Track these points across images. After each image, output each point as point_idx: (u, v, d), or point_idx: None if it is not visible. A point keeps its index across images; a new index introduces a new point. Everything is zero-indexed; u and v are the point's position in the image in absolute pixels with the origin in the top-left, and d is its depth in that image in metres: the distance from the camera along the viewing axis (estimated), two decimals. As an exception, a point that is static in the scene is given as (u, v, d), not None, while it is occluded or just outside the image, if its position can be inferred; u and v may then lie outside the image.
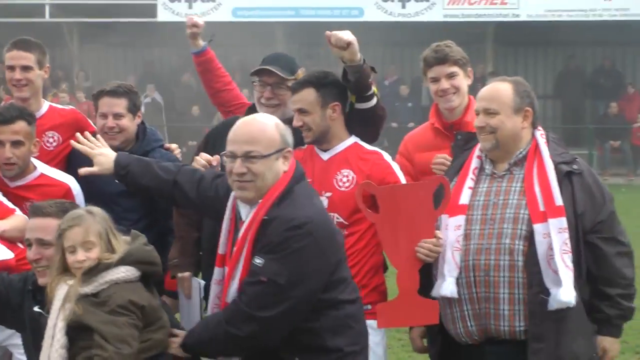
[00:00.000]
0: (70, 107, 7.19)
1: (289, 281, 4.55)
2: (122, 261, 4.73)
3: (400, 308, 5.19)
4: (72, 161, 6.37)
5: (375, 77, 5.64)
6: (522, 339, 5.01)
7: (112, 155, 5.28)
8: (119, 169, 5.22)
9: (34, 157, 6.02)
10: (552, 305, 4.90)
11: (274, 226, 4.58)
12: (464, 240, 5.07)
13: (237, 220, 4.82)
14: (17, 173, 5.89)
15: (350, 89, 5.56)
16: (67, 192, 5.92)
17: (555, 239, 4.90)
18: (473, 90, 6.00)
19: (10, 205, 5.71)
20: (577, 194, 5.04)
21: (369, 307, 5.21)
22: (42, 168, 6.03)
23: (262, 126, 4.73)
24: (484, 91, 5.22)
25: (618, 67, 29.65)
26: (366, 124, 5.69)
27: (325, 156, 5.55)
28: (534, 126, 5.21)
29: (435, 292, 5.12)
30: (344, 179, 5.50)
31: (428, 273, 5.20)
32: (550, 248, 4.91)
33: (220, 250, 4.89)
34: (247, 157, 4.64)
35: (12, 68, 6.35)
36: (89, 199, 5.88)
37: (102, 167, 5.26)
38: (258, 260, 4.57)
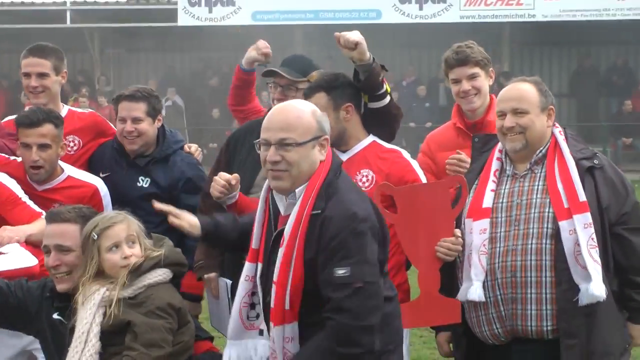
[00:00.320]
0: (90, 110, 7.17)
1: (375, 276, 4.31)
2: (159, 264, 4.67)
3: (422, 308, 5.13)
4: (92, 164, 6.35)
5: (394, 77, 5.63)
6: (549, 338, 4.95)
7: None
8: (206, 225, 4.97)
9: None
10: (583, 300, 4.85)
11: (336, 226, 4.27)
12: (490, 243, 5.00)
13: (270, 214, 4.56)
14: (43, 177, 5.83)
15: (362, 88, 5.52)
16: (95, 193, 5.89)
17: (582, 234, 4.84)
18: (490, 89, 5.96)
19: (36, 209, 5.63)
20: (600, 188, 4.99)
21: None
22: (69, 170, 5.97)
23: (298, 112, 4.45)
24: (508, 92, 5.13)
25: (631, 65, 29.57)
26: (381, 123, 5.63)
27: (344, 157, 5.44)
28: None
29: (461, 297, 5.05)
30: (364, 179, 5.46)
31: (449, 272, 5.14)
32: (577, 244, 4.85)
33: (254, 244, 4.62)
34: (282, 144, 4.36)
35: (28, 75, 6.26)
36: (113, 202, 5.87)
37: (193, 227, 4.96)
38: (342, 271, 4.22)
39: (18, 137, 5.85)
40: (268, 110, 5.91)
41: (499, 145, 5.19)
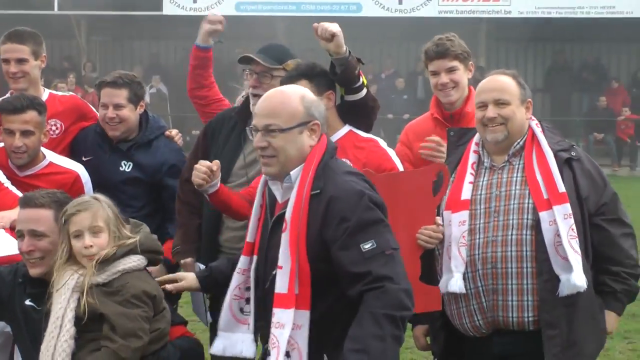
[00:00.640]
0: (71, 93, 7.09)
1: (396, 242, 4.24)
2: (134, 250, 4.52)
3: None
4: (75, 147, 6.27)
5: (373, 70, 5.59)
6: (530, 329, 4.86)
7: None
8: (201, 272, 4.87)
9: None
10: (563, 291, 4.77)
11: (346, 207, 4.15)
12: (469, 235, 4.90)
13: (267, 207, 4.45)
14: (26, 162, 5.73)
15: (338, 81, 5.41)
16: (76, 180, 5.79)
17: (562, 225, 4.77)
18: (469, 82, 5.89)
19: (19, 194, 5.46)
20: (578, 179, 4.92)
21: None
22: (50, 156, 5.88)
23: (284, 99, 4.33)
24: (489, 83, 5.04)
25: (603, 62, 29.72)
26: (358, 115, 5.55)
27: None
28: None
29: (442, 289, 4.95)
30: (347, 162, 5.36)
31: (429, 260, 5.04)
32: (557, 235, 4.77)
33: (249, 238, 4.51)
34: (267, 130, 4.27)
35: (7, 61, 6.18)
36: (95, 186, 5.76)
37: (190, 284, 4.81)
38: (368, 245, 4.12)
39: (1, 122, 5.74)
40: (245, 99, 5.81)
41: (476, 138, 5.10)
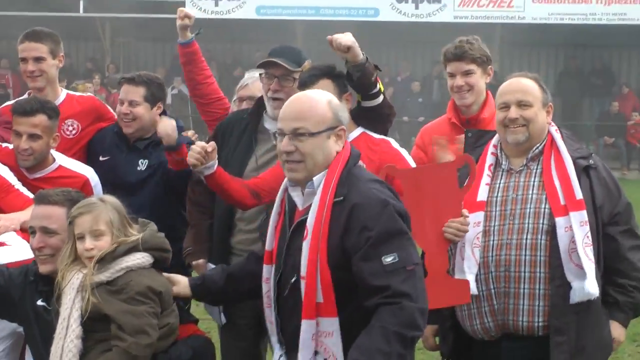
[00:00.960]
0: (89, 94, 6.97)
1: (418, 257, 4.09)
2: (137, 248, 4.39)
3: (431, 290, 4.64)
4: (92, 148, 6.16)
5: (389, 73, 5.49)
6: (540, 334, 4.73)
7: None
8: (193, 280, 4.68)
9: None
10: (574, 298, 4.65)
11: (370, 215, 3.98)
12: (483, 236, 4.78)
13: (286, 214, 4.25)
14: (32, 164, 5.60)
15: (355, 87, 5.27)
16: (85, 184, 5.64)
17: (578, 232, 4.64)
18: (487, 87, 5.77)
19: (30, 195, 5.39)
20: (595, 187, 4.79)
21: None
22: (60, 160, 5.75)
23: (313, 102, 4.15)
24: (512, 85, 4.89)
25: (614, 68, 29.62)
26: (373, 121, 5.41)
27: None
28: None
29: None
30: (368, 171, 5.26)
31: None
32: (572, 241, 4.64)
33: (267, 246, 4.32)
34: (295, 134, 4.07)
35: (24, 60, 6.06)
36: (113, 186, 5.59)
37: (180, 290, 4.63)
38: (390, 258, 3.93)
39: (12, 123, 5.63)
40: (257, 102, 5.66)
41: (494, 140, 4.99)
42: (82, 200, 4.52)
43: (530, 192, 4.82)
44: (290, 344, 4.12)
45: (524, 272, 4.74)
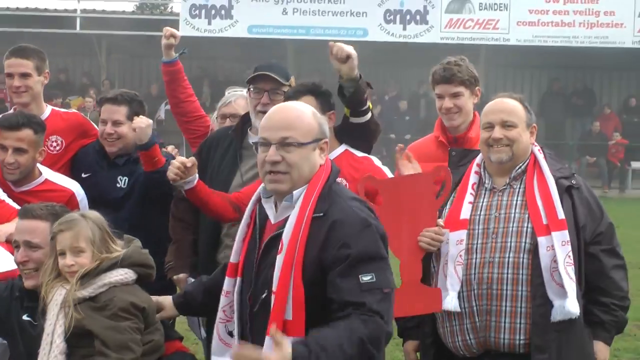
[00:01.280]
0: (73, 110, 6.92)
1: (393, 282, 3.90)
2: (120, 264, 4.31)
3: (404, 298, 4.72)
4: (75, 164, 6.08)
5: (377, 92, 5.46)
6: (521, 352, 4.67)
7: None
8: (176, 297, 4.59)
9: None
10: (556, 316, 4.58)
11: (350, 233, 3.78)
12: (466, 254, 4.71)
13: (256, 227, 4.02)
14: (17, 178, 5.51)
15: (346, 103, 5.22)
16: (71, 198, 5.55)
17: (559, 251, 4.58)
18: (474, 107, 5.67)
19: (16, 206, 5.31)
20: (577, 207, 4.74)
21: None
22: (47, 174, 5.66)
23: (300, 113, 3.94)
24: (496, 105, 4.86)
25: (596, 89, 29.75)
26: (359, 137, 5.36)
27: None
28: None
29: None
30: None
31: (429, 263, 4.87)
32: (554, 260, 4.58)
33: (233, 258, 4.09)
34: (283, 144, 3.83)
35: (11, 75, 6.00)
36: (94, 203, 5.50)
37: (169, 313, 4.55)
38: (367, 277, 3.74)
39: None
40: (241, 118, 5.60)
41: (477, 159, 4.94)
42: (64, 216, 4.44)
43: (513, 210, 4.77)
44: None
45: (506, 290, 4.68)
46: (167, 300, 4.53)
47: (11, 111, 6.04)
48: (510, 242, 4.71)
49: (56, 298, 4.27)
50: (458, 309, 4.71)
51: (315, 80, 5.41)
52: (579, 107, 28.40)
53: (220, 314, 4.08)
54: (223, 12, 27.08)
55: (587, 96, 28.99)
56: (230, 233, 5.38)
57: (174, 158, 5.90)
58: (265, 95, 5.41)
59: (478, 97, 5.65)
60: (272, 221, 3.96)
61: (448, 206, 4.91)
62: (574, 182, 4.83)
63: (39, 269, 4.45)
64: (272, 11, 26.94)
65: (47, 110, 6.15)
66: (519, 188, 4.83)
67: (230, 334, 4.08)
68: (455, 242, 4.75)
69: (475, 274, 4.72)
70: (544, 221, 4.67)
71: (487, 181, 4.90)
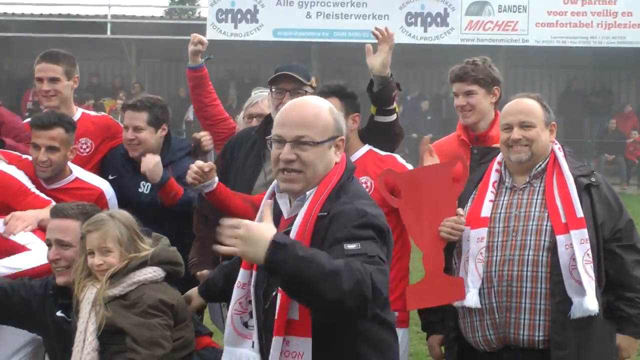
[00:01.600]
0: (103, 113, 6.83)
1: (384, 256, 3.57)
2: (149, 262, 4.32)
3: (428, 288, 4.76)
4: (104, 166, 6.10)
5: (399, 92, 5.44)
6: (540, 348, 4.63)
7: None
8: (200, 287, 4.55)
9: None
10: (575, 314, 4.55)
11: (345, 219, 3.57)
12: (487, 251, 4.68)
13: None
14: (49, 176, 5.52)
15: (373, 98, 5.21)
16: (100, 196, 5.58)
17: (578, 249, 4.54)
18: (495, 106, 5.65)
19: (46, 198, 5.37)
20: (596, 205, 4.69)
21: (396, 314, 4.46)
22: (77, 172, 5.67)
23: (316, 109, 3.73)
24: (515, 106, 4.83)
25: (614, 88, 29.60)
26: (383, 138, 5.33)
27: None
28: None
29: (457, 303, 4.73)
30: (363, 186, 5.16)
31: (451, 259, 4.84)
32: (572, 258, 4.54)
33: None
34: (298, 142, 3.66)
35: (40, 80, 6.03)
36: (120, 205, 5.52)
37: (196, 304, 4.52)
38: (352, 246, 3.48)
39: (31, 136, 5.59)
40: (265, 118, 5.55)
41: (498, 158, 4.91)
42: (93, 217, 4.45)
43: (533, 209, 4.74)
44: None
45: (526, 287, 4.65)
46: (193, 291, 4.53)
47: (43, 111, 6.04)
48: (530, 240, 4.68)
49: (88, 296, 4.29)
50: (479, 306, 4.68)
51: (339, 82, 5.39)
52: (597, 106, 28.27)
53: (236, 306, 3.94)
54: (249, 16, 27.13)
55: (605, 95, 28.86)
56: None
57: (201, 149, 5.92)
58: (286, 95, 5.35)
59: (497, 97, 5.63)
60: (285, 216, 3.82)
61: (469, 204, 4.88)
62: (593, 180, 4.78)
63: (71, 267, 4.47)
64: (296, 15, 26.97)
65: (77, 113, 6.17)
66: (539, 186, 4.79)
67: (246, 324, 3.96)
68: (476, 240, 4.72)
69: (495, 271, 4.70)
70: (563, 220, 4.63)
71: (507, 180, 4.87)
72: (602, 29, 26.62)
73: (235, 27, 27.12)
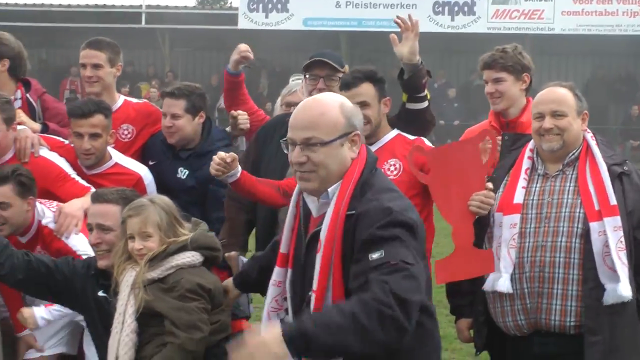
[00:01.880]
0: (144, 100, 6.82)
1: (412, 258, 3.49)
2: (187, 247, 4.31)
3: (457, 262, 4.70)
4: (145, 152, 6.10)
5: (428, 81, 5.40)
6: (571, 333, 4.58)
7: None
8: (235, 278, 4.55)
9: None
10: (608, 300, 4.46)
11: (369, 220, 3.52)
12: (519, 237, 4.61)
13: (301, 217, 3.82)
14: (93, 162, 5.56)
15: (404, 86, 5.16)
16: (139, 181, 5.59)
17: (611, 236, 4.46)
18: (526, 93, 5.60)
19: (85, 184, 5.41)
20: (627, 193, 4.61)
21: None
22: (117, 157, 5.70)
23: (323, 109, 3.65)
24: (546, 95, 4.75)
25: (638, 76, 29.34)
26: (413, 125, 5.27)
27: (372, 149, 5.13)
28: None
29: (488, 287, 4.67)
30: (392, 168, 5.09)
31: (481, 227, 4.77)
32: (605, 245, 4.46)
33: (283, 249, 3.89)
34: (307, 144, 3.61)
35: (84, 66, 6.04)
36: (159, 190, 5.49)
37: (233, 295, 4.50)
38: (376, 255, 3.45)
39: (70, 126, 5.61)
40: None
41: (530, 145, 4.83)
42: (133, 202, 4.44)
43: (566, 196, 4.66)
44: None
45: (558, 273, 4.58)
46: (228, 282, 4.51)
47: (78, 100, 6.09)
48: (563, 226, 4.61)
49: (127, 279, 4.29)
50: (511, 291, 4.62)
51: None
52: (621, 93, 28.03)
53: (272, 303, 3.94)
54: (279, 5, 27.13)
55: (630, 82, 28.61)
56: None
57: (237, 127, 5.90)
58: (320, 81, 5.36)
59: (527, 84, 5.58)
60: (314, 215, 3.76)
61: (501, 190, 4.82)
62: (625, 168, 4.71)
63: (111, 250, 4.48)
64: (326, 4, 26.94)
65: (119, 100, 6.18)
66: (572, 174, 4.72)
67: (282, 321, 3.94)
68: (508, 226, 4.66)
69: (527, 257, 4.63)
70: (596, 207, 4.56)
71: (540, 167, 4.80)
72: (627, 17, 26.41)
73: (267, 16, 27.14)
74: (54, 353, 5.25)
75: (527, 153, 4.84)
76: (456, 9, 26.69)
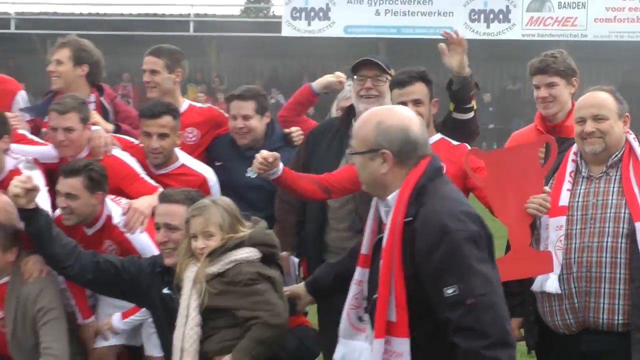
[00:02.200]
0: (208, 105, 6.82)
1: (485, 286, 3.48)
2: (245, 243, 4.31)
3: (515, 262, 4.60)
4: (210, 153, 6.13)
5: (476, 92, 5.37)
6: (619, 331, 4.50)
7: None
8: (307, 283, 4.53)
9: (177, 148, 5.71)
10: None
11: (428, 241, 3.49)
12: (566, 239, 4.56)
13: (379, 221, 3.79)
14: (161, 162, 5.59)
15: (452, 97, 5.14)
16: (204, 182, 5.60)
17: None
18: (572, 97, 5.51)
19: (153, 183, 5.43)
20: None
21: None
22: (183, 158, 5.72)
23: (363, 121, 3.71)
24: (588, 99, 4.70)
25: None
26: (458, 133, 5.25)
27: None
28: None
29: (537, 288, 4.62)
30: (451, 186, 5.06)
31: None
32: None
33: (364, 250, 3.86)
34: (351, 152, 3.79)
35: (145, 71, 6.13)
36: (225, 189, 5.58)
37: (306, 301, 4.53)
38: (450, 290, 3.42)
39: (140, 126, 5.67)
40: (347, 109, 5.53)
41: (574, 148, 4.77)
42: (197, 202, 4.45)
43: (610, 197, 4.61)
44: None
45: (605, 272, 4.52)
46: (300, 288, 4.49)
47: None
48: (608, 227, 4.55)
49: (189, 275, 4.30)
50: (559, 291, 4.58)
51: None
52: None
53: (352, 301, 3.93)
54: (321, 14, 27.17)
55: (661, 88, 28.33)
56: (336, 217, 5.37)
57: (291, 143, 5.93)
58: (368, 81, 5.32)
59: (575, 87, 5.51)
60: (384, 221, 3.74)
61: (550, 184, 4.76)
62: None
63: (177, 248, 4.49)
64: (366, 12, 26.95)
65: (184, 104, 6.21)
66: (616, 175, 4.66)
67: (360, 319, 3.94)
68: (555, 228, 4.62)
69: (574, 257, 4.58)
70: None
71: (583, 169, 4.75)
72: (658, 24, 26.12)
73: (309, 24, 27.19)
74: (118, 343, 5.29)
75: (571, 156, 4.79)
76: (492, 16, 26.55)
